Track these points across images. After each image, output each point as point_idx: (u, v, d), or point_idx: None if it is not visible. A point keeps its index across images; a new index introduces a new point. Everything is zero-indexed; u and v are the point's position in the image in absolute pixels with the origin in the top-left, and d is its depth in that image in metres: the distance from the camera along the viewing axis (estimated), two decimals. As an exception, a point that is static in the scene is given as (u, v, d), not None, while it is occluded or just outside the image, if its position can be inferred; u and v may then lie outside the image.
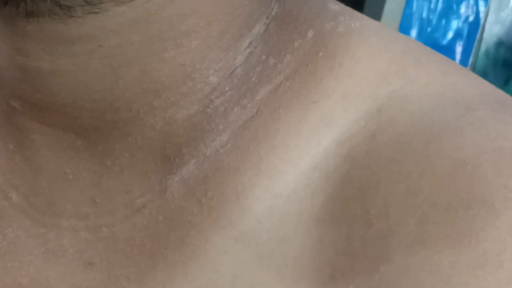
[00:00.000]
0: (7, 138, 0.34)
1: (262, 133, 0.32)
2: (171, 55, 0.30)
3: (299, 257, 0.30)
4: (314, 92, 0.32)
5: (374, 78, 0.32)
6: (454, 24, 1.11)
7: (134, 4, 0.29)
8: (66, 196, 0.33)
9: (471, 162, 0.28)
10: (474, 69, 1.11)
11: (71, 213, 0.33)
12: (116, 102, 0.31)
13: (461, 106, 0.31)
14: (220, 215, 0.31)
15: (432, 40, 1.10)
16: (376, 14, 1.08)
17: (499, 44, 1.11)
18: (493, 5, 1.09)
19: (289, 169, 0.31)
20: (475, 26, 1.11)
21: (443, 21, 1.11)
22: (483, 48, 1.11)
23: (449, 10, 1.11)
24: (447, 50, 1.11)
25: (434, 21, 1.11)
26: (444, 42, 1.11)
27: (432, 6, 1.10)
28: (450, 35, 1.11)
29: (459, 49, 1.12)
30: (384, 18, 1.08)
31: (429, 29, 1.11)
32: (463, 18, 1.11)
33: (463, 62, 1.11)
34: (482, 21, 1.10)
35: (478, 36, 1.11)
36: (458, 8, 1.10)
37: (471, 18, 1.11)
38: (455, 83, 0.32)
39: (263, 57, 0.32)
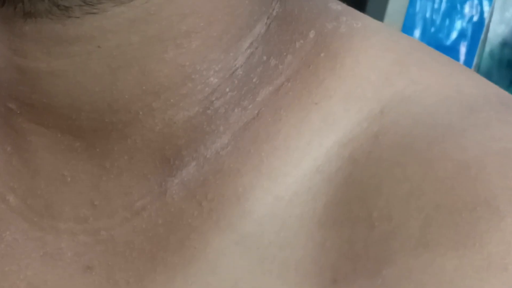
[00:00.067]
0: (4, 140, 0.33)
1: (263, 135, 0.32)
2: (171, 55, 0.30)
3: (301, 261, 0.30)
4: (315, 93, 0.32)
5: (376, 79, 0.32)
6: (458, 24, 1.11)
7: (133, 4, 0.29)
8: (64, 199, 0.33)
9: (475, 164, 0.28)
10: (478, 70, 1.11)
11: (69, 216, 0.33)
12: (115, 103, 0.31)
13: (465, 108, 0.31)
14: (221, 217, 0.31)
15: (435, 41, 1.10)
16: (379, 14, 1.08)
17: (504, 44, 1.10)
18: (497, 4, 1.09)
19: (291, 171, 0.31)
20: (479, 26, 1.10)
21: (447, 21, 1.11)
22: (487, 48, 1.10)
23: (453, 10, 1.10)
24: (451, 51, 1.10)
25: (437, 21, 1.11)
26: (448, 42, 1.11)
27: (436, 6, 1.10)
28: (454, 35, 1.11)
29: (463, 49, 1.11)
30: (387, 18, 1.08)
31: (432, 29, 1.11)
32: (467, 18, 1.11)
33: (467, 62, 1.11)
34: (486, 21, 1.10)
35: (482, 36, 1.11)
36: (462, 8, 1.10)
37: (475, 18, 1.10)
38: (459, 84, 0.32)
39: (264, 57, 0.32)
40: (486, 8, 1.10)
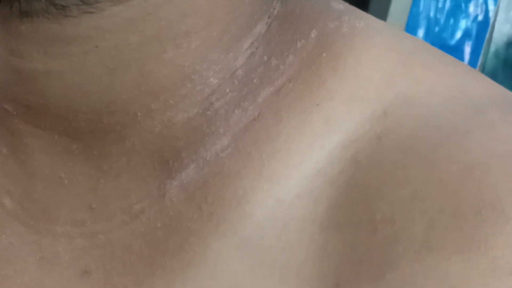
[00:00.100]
0: (0, 141, 0.33)
1: (264, 136, 0.31)
2: (170, 56, 0.30)
3: (303, 265, 0.30)
4: (317, 93, 0.32)
5: (379, 80, 0.32)
6: (463, 23, 1.11)
7: (131, 3, 0.29)
8: (61, 202, 0.33)
9: (479, 167, 0.28)
10: (483, 70, 1.11)
11: (67, 219, 0.33)
12: (112, 104, 0.30)
13: (470, 109, 0.30)
14: (221, 221, 0.31)
15: (439, 40, 1.10)
16: (382, 14, 1.07)
17: (509, 44, 1.10)
18: (502, 4, 1.09)
19: (292, 173, 0.31)
20: (484, 26, 1.10)
21: (451, 21, 1.11)
22: (492, 48, 1.10)
23: (457, 9, 1.10)
24: (455, 51, 1.10)
25: (441, 21, 1.10)
26: (452, 42, 1.11)
27: (440, 5, 1.10)
28: (458, 35, 1.11)
29: (467, 49, 1.11)
30: (390, 17, 1.08)
31: (436, 29, 1.10)
32: (471, 18, 1.10)
33: (472, 62, 1.11)
34: (491, 21, 1.10)
35: (487, 36, 1.10)
36: (467, 7, 1.10)
37: (480, 18, 1.10)
38: (464, 85, 0.32)
39: (265, 58, 0.32)
40: (491, 7, 1.10)
